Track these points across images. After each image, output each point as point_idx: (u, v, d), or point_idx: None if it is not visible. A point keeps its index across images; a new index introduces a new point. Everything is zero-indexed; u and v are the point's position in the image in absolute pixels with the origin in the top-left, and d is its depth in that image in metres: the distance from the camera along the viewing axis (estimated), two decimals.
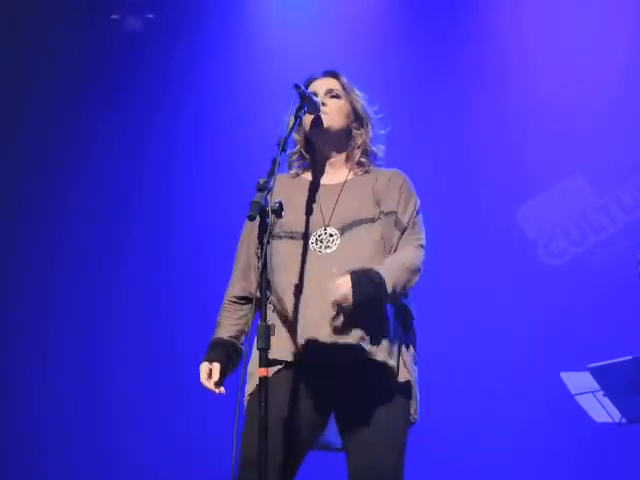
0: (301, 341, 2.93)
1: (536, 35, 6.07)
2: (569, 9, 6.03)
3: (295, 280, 2.97)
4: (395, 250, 3.05)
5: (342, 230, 3.01)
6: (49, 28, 6.17)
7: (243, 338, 3.15)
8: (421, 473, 4.73)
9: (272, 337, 2.74)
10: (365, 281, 2.86)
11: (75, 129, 6.28)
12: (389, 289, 2.90)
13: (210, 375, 3.06)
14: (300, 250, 3.01)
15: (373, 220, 3.05)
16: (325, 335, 2.91)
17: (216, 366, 3.07)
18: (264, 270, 2.72)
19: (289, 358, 2.96)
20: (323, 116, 3.09)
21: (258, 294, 2.91)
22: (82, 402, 6.10)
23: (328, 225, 3.02)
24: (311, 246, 3.00)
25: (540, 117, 6.00)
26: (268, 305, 2.99)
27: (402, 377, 2.99)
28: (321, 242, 3.00)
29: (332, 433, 3.08)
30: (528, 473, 5.60)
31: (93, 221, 6.29)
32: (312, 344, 2.93)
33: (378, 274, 2.88)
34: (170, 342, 6.10)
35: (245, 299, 3.16)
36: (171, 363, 6.01)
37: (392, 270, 2.94)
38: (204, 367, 3.08)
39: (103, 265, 6.26)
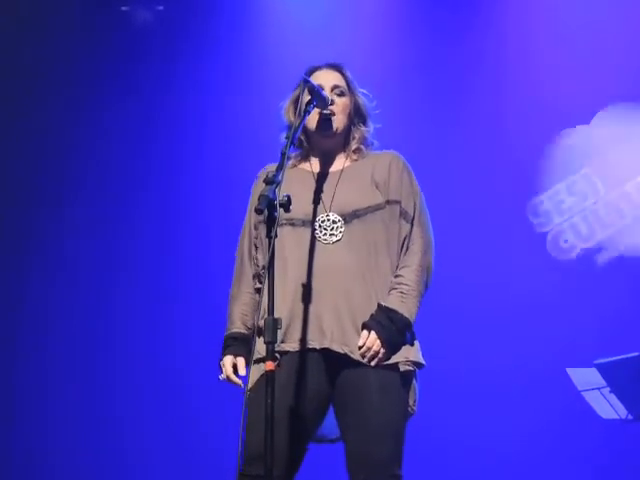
0: (309, 334, 2.94)
1: (541, 28, 6.06)
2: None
3: (299, 268, 2.98)
4: (405, 243, 3.07)
5: (345, 218, 3.01)
6: (57, 18, 6.17)
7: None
8: (424, 468, 4.75)
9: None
10: (395, 335, 2.95)
11: (78, 123, 6.27)
12: (412, 322, 2.99)
13: (236, 369, 3.04)
14: (302, 237, 3.00)
15: (377, 208, 3.05)
16: (337, 343, 2.94)
17: (241, 360, 3.04)
18: (272, 263, 2.70)
19: (294, 349, 2.96)
20: (332, 118, 3.08)
21: (259, 285, 2.93)
22: (82, 403, 6.10)
23: (329, 211, 3.02)
24: (314, 233, 3.00)
25: (549, 111, 5.99)
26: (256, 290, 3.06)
27: (403, 367, 2.99)
28: (325, 229, 3.00)
29: (326, 425, 3.07)
30: (533, 469, 5.59)
31: (93, 221, 6.27)
32: (318, 338, 2.95)
33: (403, 319, 2.96)
34: (170, 340, 6.11)
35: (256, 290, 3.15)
36: (172, 361, 6.04)
37: (411, 301, 2.99)
38: (229, 361, 3.06)
39: (103, 266, 6.25)
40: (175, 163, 6.26)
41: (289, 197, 2.74)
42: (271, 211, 2.70)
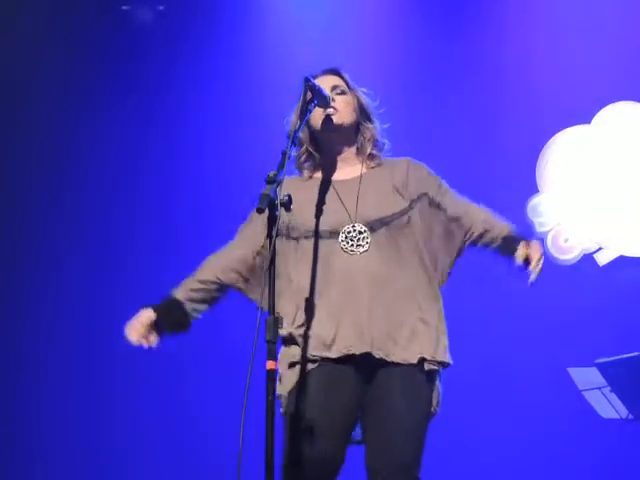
0: (349, 341, 2.93)
1: (541, 28, 6.07)
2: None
3: (328, 280, 2.97)
4: (434, 235, 3.09)
5: (371, 227, 3.00)
6: (57, 18, 6.17)
7: (195, 310, 3.16)
8: (424, 467, 4.71)
9: (309, 332, 2.87)
10: None
11: (78, 123, 6.27)
12: None
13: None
14: (329, 249, 2.99)
15: (402, 213, 3.04)
16: (376, 348, 2.93)
17: (149, 312, 3.09)
18: (272, 263, 2.70)
19: (332, 355, 2.94)
20: (333, 114, 3.07)
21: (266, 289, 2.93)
22: (82, 404, 6.11)
23: (355, 222, 3.01)
24: (341, 244, 2.99)
25: (549, 110, 5.99)
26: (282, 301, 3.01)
27: (427, 367, 2.98)
28: (351, 240, 2.99)
29: None
30: (533, 468, 5.59)
31: (93, 222, 6.26)
32: (358, 345, 2.94)
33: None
34: (170, 341, 6.08)
35: (219, 284, 3.15)
36: (172, 362, 6.00)
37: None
38: (140, 313, 3.10)
39: (103, 267, 6.24)
40: (175, 163, 6.26)
41: (290, 196, 2.73)
42: (272, 211, 2.69)
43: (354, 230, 3.00)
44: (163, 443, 5.99)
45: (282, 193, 2.72)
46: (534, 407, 5.62)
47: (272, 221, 2.70)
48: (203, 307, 3.18)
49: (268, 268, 2.71)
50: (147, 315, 3.12)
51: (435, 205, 3.11)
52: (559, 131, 6.04)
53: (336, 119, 3.08)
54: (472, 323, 5.74)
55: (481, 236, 3.12)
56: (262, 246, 3.10)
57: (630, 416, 4.84)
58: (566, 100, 5.94)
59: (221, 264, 3.19)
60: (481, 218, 3.13)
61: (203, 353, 6.03)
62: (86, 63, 6.23)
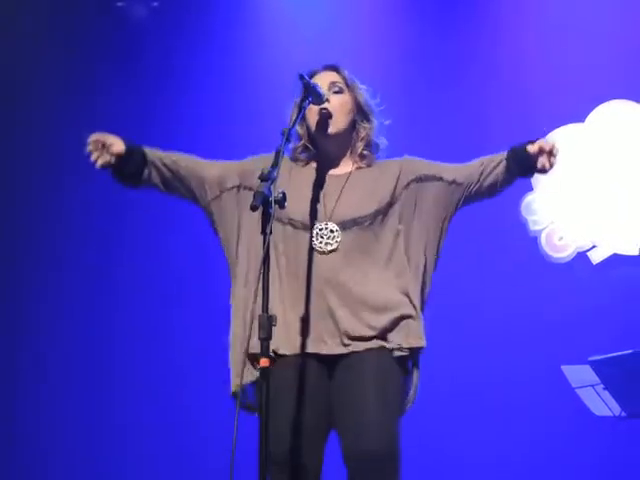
0: (304, 340, 2.94)
1: (537, 26, 6.10)
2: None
3: (292, 274, 2.99)
4: (421, 212, 3.10)
5: (343, 227, 2.99)
6: (58, 18, 6.19)
7: (148, 174, 3.12)
8: (420, 465, 4.75)
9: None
10: None
11: (73, 123, 6.26)
12: None
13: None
14: (300, 242, 3.00)
15: (377, 213, 3.02)
16: (335, 345, 2.94)
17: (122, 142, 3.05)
18: (266, 260, 2.70)
19: (291, 352, 2.95)
20: (329, 121, 3.06)
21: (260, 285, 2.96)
22: (81, 408, 6.13)
23: (329, 220, 3.00)
24: (311, 240, 2.99)
25: (543, 108, 6.01)
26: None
27: (397, 354, 2.97)
28: (321, 237, 2.98)
29: None
30: (526, 466, 5.61)
31: (91, 222, 6.27)
32: (315, 345, 2.95)
33: None
34: (170, 344, 6.12)
35: (182, 174, 3.13)
36: (172, 365, 6.05)
37: None
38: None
39: (101, 268, 6.25)
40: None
41: (284, 193, 2.73)
42: (266, 208, 2.69)
43: (326, 228, 2.99)
44: (162, 445, 6.00)
45: (277, 190, 2.71)
46: (528, 405, 5.63)
47: (266, 219, 2.69)
48: (155, 178, 3.14)
49: (262, 263, 2.70)
50: (121, 143, 3.08)
51: (426, 179, 3.11)
52: (553, 129, 6.07)
53: (331, 129, 3.07)
54: (466, 321, 5.76)
55: (482, 174, 3.14)
56: (233, 187, 3.11)
57: (623, 414, 4.84)
58: (560, 98, 5.96)
59: (194, 163, 3.16)
60: (477, 163, 3.16)
61: (202, 356, 6.04)
62: (86, 63, 6.25)
